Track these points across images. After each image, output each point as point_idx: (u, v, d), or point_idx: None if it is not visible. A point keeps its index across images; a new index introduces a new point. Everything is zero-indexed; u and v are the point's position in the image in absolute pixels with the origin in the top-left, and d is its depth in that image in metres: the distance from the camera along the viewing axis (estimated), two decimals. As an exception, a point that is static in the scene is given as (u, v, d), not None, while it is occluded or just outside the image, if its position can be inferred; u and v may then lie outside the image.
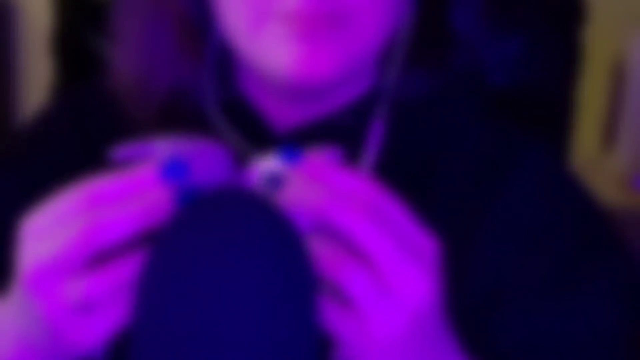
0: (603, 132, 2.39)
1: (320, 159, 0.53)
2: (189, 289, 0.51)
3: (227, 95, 0.72)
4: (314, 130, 0.69)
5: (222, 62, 0.72)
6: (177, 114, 0.71)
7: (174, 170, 0.52)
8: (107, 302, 0.52)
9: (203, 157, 0.54)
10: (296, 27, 0.61)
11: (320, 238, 0.51)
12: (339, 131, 0.69)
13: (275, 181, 0.52)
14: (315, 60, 0.62)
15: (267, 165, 0.53)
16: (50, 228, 0.52)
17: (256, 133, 0.70)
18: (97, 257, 0.51)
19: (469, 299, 0.65)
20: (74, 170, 0.71)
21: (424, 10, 0.69)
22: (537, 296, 0.67)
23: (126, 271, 0.52)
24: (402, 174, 0.68)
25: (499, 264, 0.67)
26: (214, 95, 0.71)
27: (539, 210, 0.69)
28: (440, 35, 0.71)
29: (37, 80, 2.20)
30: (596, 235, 0.70)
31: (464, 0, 0.71)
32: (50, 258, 0.51)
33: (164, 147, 0.54)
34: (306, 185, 0.51)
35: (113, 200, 0.51)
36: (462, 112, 0.74)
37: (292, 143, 0.54)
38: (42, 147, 0.75)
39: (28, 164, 0.74)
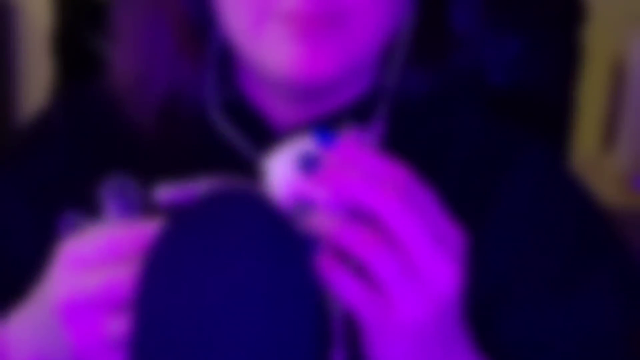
0: (603, 132, 2.39)
1: (354, 142, 0.53)
2: (187, 291, 0.51)
3: (228, 95, 0.72)
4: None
5: (223, 62, 0.72)
6: (178, 115, 0.71)
7: None
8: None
9: None
10: (296, 27, 0.61)
11: (352, 220, 0.51)
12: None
13: (310, 163, 0.52)
14: (315, 59, 0.62)
15: (299, 147, 0.53)
16: (92, 262, 0.53)
17: (257, 133, 0.70)
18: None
19: (470, 298, 0.65)
20: (73, 171, 0.71)
21: (424, 10, 0.69)
22: (538, 295, 0.67)
23: None
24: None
25: (500, 263, 0.67)
26: (215, 96, 0.71)
27: (539, 209, 0.69)
28: (441, 35, 0.71)
29: (37, 80, 2.20)
30: (596, 234, 0.70)
31: (464, 0, 0.71)
32: (90, 294, 0.52)
33: (204, 189, 0.54)
34: (340, 168, 0.51)
35: None
36: (463, 112, 0.74)
37: (325, 125, 0.54)
38: (41, 147, 0.75)
39: (28, 164, 0.74)
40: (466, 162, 0.70)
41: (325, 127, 0.54)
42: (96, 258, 0.53)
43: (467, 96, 0.75)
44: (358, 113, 0.70)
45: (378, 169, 0.51)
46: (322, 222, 0.51)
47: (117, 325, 0.52)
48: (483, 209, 0.68)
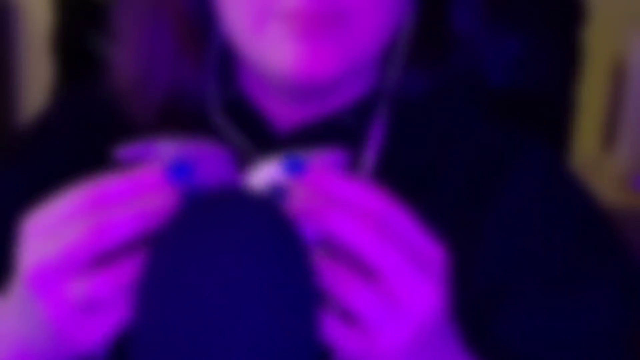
0: (603, 132, 2.39)
1: (324, 167, 0.51)
2: (188, 290, 0.51)
3: (229, 95, 0.72)
4: (315, 130, 0.69)
5: (224, 62, 0.72)
6: (178, 115, 0.71)
7: (178, 171, 0.52)
8: (109, 302, 0.52)
9: (207, 158, 0.54)
10: (297, 27, 0.61)
11: (325, 252, 0.51)
12: (340, 131, 0.69)
13: (279, 192, 0.51)
14: (315, 59, 0.62)
15: (269, 173, 0.52)
16: (54, 227, 0.52)
17: (258, 133, 0.70)
18: (101, 257, 0.51)
19: (471, 298, 0.65)
20: (74, 171, 0.71)
21: (424, 11, 0.69)
22: (538, 295, 0.67)
23: (129, 271, 0.52)
24: (403, 173, 0.68)
25: (500, 264, 0.67)
26: (216, 96, 0.71)
27: (540, 210, 0.69)
28: (441, 35, 0.71)
29: (37, 80, 2.20)
30: (597, 235, 0.70)
31: (464, 0, 0.71)
32: (53, 258, 0.51)
33: (168, 148, 0.54)
34: (310, 197, 0.50)
35: (118, 200, 0.51)
36: (463, 112, 0.74)
37: (294, 149, 0.53)
38: (42, 147, 0.75)
39: (28, 164, 0.74)
40: (466, 162, 0.70)
41: (294, 154, 0.52)
42: (57, 223, 0.52)
43: (467, 96, 0.75)
44: (358, 113, 0.70)
45: (350, 195, 0.50)
46: None
47: (86, 287, 0.51)
48: (483, 210, 0.68)
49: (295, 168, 0.52)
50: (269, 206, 0.51)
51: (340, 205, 0.50)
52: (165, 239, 0.51)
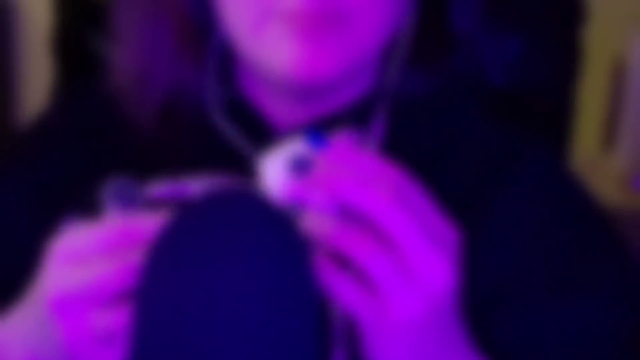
0: (603, 132, 2.39)
1: (346, 143, 0.53)
2: (188, 290, 0.51)
3: (229, 95, 0.72)
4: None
5: (224, 62, 0.72)
6: (178, 115, 0.71)
7: None
8: (127, 334, 0.53)
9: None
10: (296, 27, 0.61)
11: (345, 221, 0.51)
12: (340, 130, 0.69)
13: (302, 165, 0.52)
14: (315, 59, 0.62)
15: (292, 149, 0.53)
16: (83, 257, 0.53)
17: (258, 133, 0.70)
18: (125, 292, 0.53)
19: (472, 299, 0.65)
20: (74, 172, 0.71)
21: (424, 10, 0.69)
22: (538, 296, 0.67)
23: None
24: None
25: (500, 264, 0.67)
26: (216, 96, 0.71)
27: (539, 210, 0.69)
28: (441, 35, 0.71)
29: (37, 80, 2.20)
30: (596, 235, 0.70)
31: (464, 0, 0.71)
32: (81, 288, 0.52)
33: (196, 187, 0.55)
34: (332, 170, 0.51)
35: (148, 240, 0.52)
36: (463, 112, 0.74)
37: (320, 127, 0.55)
38: (42, 148, 0.75)
39: (28, 165, 0.74)
40: (467, 162, 0.70)
41: (318, 129, 0.54)
42: (86, 253, 0.53)
43: (467, 96, 0.75)
44: (358, 113, 0.70)
45: (370, 169, 0.51)
46: (315, 224, 0.51)
47: (108, 320, 0.52)
48: (483, 210, 0.68)
49: (319, 142, 0.53)
50: (268, 207, 0.51)
51: (361, 177, 0.50)
52: (164, 241, 0.51)
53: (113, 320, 0.52)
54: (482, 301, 0.66)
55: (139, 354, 0.52)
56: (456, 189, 0.69)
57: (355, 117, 0.69)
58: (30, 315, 0.57)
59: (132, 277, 0.52)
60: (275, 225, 0.51)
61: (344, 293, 0.51)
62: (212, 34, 0.71)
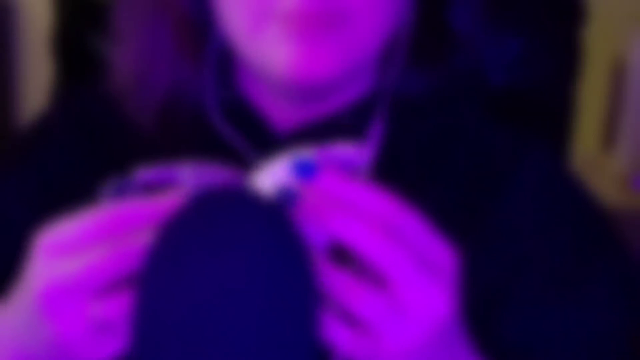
0: (603, 132, 2.39)
1: (333, 167, 0.51)
2: (186, 290, 0.51)
3: (228, 96, 0.71)
4: (315, 130, 0.69)
5: (223, 63, 0.72)
6: (177, 116, 0.71)
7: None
8: (120, 324, 0.51)
9: (225, 184, 0.53)
10: (295, 28, 0.61)
11: (331, 257, 0.50)
12: (340, 131, 0.69)
13: (287, 197, 0.50)
14: (313, 60, 0.62)
15: (276, 175, 0.51)
16: (71, 247, 0.51)
17: (257, 134, 0.70)
18: (117, 280, 0.51)
19: (472, 299, 0.65)
20: (75, 171, 0.71)
21: (424, 10, 0.69)
22: (538, 296, 0.67)
23: None
24: (403, 173, 0.68)
25: (501, 264, 0.67)
26: (215, 96, 0.71)
27: (540, 210, 0.69)
28: (441, 36, 0.71)
29: (37, 80, 2.20)
30: (597, 235, 0.70)
31: (464, 0, 0.71)
32: (70, 279, 0.51)
33: (187, 173, 0.54)
34: (320, 202, 0.50)
35: (138, 225, 0.51)
36: (463, 112, 0.74)
37: (300, 150, 0.53)
38: (43, 148, 0.75)
39: (28, 164, 0.74)
40: (466, 162, 0.70)
41: (303, 153, 0.51)
42: (74, 243, 0.51)
43: (468, 96, 0.75)
44: (357, 114, 0.70)
45: (360, 200, 0.50)
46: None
47: (102, 309, 0.51)
48: (483, 210, 0.68)
49: (305, 171, 0.51)
50: (268, 206, 0.51)
51: (349, 209, 0.49)
52: (164, 238, 0.51)
53: (108, 309, 0.51)
54: (483, 302, 0.66)
55: (140, 349, 0.51)
56: (456, 189, 0.69)
57: (355, 117, 0.69)
58: (17, 313, 0.55)
59: (124, 262, 0.50)
60: (275, 224, 0.51)
61: (331, 331, 0.51)
62: (211, 35, 0.71)
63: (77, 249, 0.51)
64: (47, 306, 0.51)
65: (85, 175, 0.66)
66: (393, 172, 0.67)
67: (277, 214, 0.50)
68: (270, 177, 0.52)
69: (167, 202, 0.51)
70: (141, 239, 0.50)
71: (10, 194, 0.73)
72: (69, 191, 0.69)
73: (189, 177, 0.54)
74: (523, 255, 0.68)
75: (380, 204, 0.50)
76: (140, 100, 0.71)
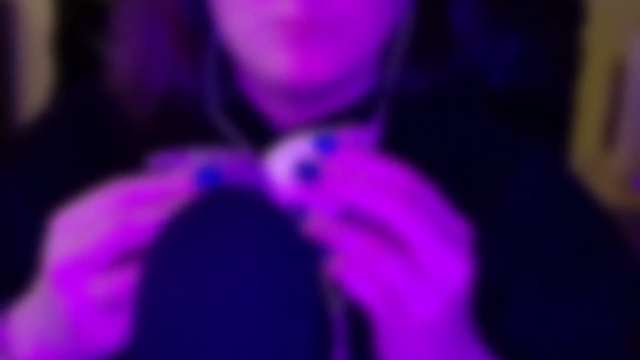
0: (603, 132, 2.39)
1: (353, 146, 0.52)
2: (186, 292, 0.51)
3: (228, 95, 0.72)
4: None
5: (222, 62, 0.72)
6: (177, 114, 0.71)
7: (206, 176, 0.52)
8: (128, 301, 0.52)
9: (237, 167, 0.54)
10: (291, 34, 0.61)
11: (356, 227, 0.51)
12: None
13: (309, 171, 0.51)
14: (309, 65, 0.62)
15: (298, 150, 0.52)
16: (81, 225, 0.52)
17: (258, 132, 0.70)
18: (124, 257, 0.52)
19: (474, 296, 0.65)
20: (76, 169, 0.71)
21: (424, 10, 0.69)
22: (539, 296, 0.67)
23: None
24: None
25: (501, 264, 0.67)
26: (215, 96, 0.71)
27: (540, 210, 0.69)
28: (440, 35, 0.71)
29: (37, 80, 2.20)
30: (597, 235, 0.70)
31: (463, 0, 0.71)
32: (77, 254, 0.51)
33: (200, 158, 0.54)
34: (341, 176, 0.51)
35: (146, 202, 0.52)
36: (463, 112, 0.74)
37: (323, 128, 0.53)
38: (42, 145, 0.75)
39: (28, 162, 0.74)
40: (466, 162, 0.70)
41: (323, 130, 0.53)
42: (84, 220, 0.52)
43: (467, 96, 0.75)
44: (358, 113, 0.70)
45: (380, 173, 0.51)
46: (324, 228, 0.51)
47: (108, 285, 0.51)
48: (483, 210, 0.68)
49: (326, 145, 0.51)
50: (269, 206, 0.51)
51: (370, 180, 0.50)
52: (165, 241, 0.51)
53: (112, 285, 0.51)
54: (484, 300, 0.66)
55: (140, 354, 0.51)
56: (456, 189, 0.69)
57: (355, 115, 0.69)
58: (38, 300, 0.56)
59: (131, 237, 0.51)
60: (275, 225, 0.51)
61: (363, 294, 0.51)
62: (210, 35, 0.71)
63: (87, 225, 0.52)
64: (56, 282, 0.52)
65: (85, 173, 0.66)
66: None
67: (276, 215, 0.51)
68: (289, 153, 0.52)
69: (176, 181, 0.52)
70: (149, 216, 0.51)
71: (10, 191, 0.73)
72: (69, 188, 0.69)
73: (201, 162, 0.54)
74: (522, 255, 0.68)
75: (400, 175, 0.51)
76: (139, 99, 0.71)
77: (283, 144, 0.53)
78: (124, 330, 0.53)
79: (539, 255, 0.68)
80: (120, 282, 0.52)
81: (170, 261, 0.51)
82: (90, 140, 0.74)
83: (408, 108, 0.71)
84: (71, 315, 0.52)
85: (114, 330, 0.53)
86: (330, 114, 0.69)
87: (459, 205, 0.68)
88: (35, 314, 0.57)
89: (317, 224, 0.51)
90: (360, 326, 0.56)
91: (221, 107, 0.71)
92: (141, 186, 0.52)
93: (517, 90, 0.96)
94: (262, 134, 0.70)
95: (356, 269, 0.51)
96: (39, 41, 2.11)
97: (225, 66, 0.72)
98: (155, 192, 0.52)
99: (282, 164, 0.52)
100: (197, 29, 0.70)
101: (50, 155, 0.74)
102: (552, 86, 1.01)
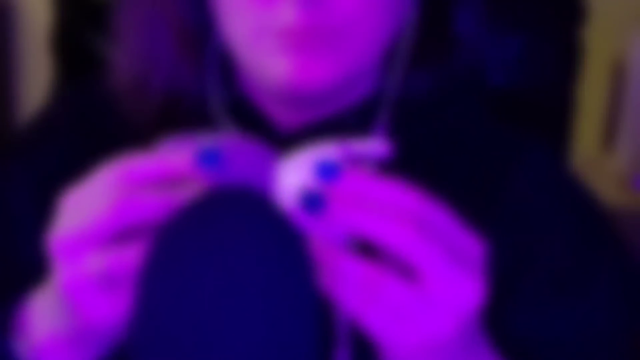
0: (603, 132, 2.39)
1: (358, 171, 0.50)
2: (185, 289, 0.51)
3: (230, 97, 0.72)
4: (318, 132, 0.69)
5: (225, 64, 0.72)
6: (179, 115, 0.71)
7: (208, 158, 0.51)
8: (126, 280, 0.51)
9: (241, 150, 0.53)
10: (291, 42, 0.62)
11: (359, 253, 0.50)
12: (343, 132, 0.69)
13: (312, 201, 0.49)
14: (309, 72, 0.62)
15: (298, 178, 0.50)
16: (83, 202, 0.52)
17: (260, 133, 0.70)
18: (125, 236, 0.51)
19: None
20: (76, 167, 0.71)
21: (426, 12, 0.69)
22: (539, 296, 0.67)
23: None
24: (405, 175, 0.68)
25: (501, 265, 0.67)
26: (217, 97, 0.71)
27: (540, 210, 0.69)
28: (443, 38, 0.71)
29: (37, 80, 2.20)
30: (596, 235, 0.70)
31: (465, 1, 0.71)
32: (76, 229, 0.51)
33: (207, 141, 0.53)
34: (346, 202, 0.49)
35: (147, 180, 0.51)
36: (464, 113, 0.74)
37: (318, 146, 0.52)
38: (43, 142, 0.75)
39: (29, 160, 0.74)
40: (468, 162, 0.70)
41: (327, 144, 0.51)
42: (86, 198, 0.52)
43: (468, 97, 0.75)
44: (360, 116, 0.70)
45: (387, 197, 0.50)
46: (327, 255, 0.50)
47: (107, 262, 0.51)
48: (484, 210, 0.68)
49: (328, 172, 0.50)
50: (267, 204, 0.51)
51: (376, 206, 0.49)
52: (165, 237, 0.51)
53: (109, 262, 0.51)
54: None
55: (139, 347, 0.51)
56: (458, 190, 0.69)
57: (358, 118, 0.69)
58: (50, 285, 0.56)
59: (131, 215, 0.51)
60: (275, 225, 0.51)
61: (369, 318, 0.50)
62: (211, 37, 0.71)
63: (89, 202, 0.52)
64: (56, 257, 0.52)
65: (85, 170, 0.66)
66: (395, 172, 0.67)
67: (272, 211, 0.51)
68: (292, 177, 0.51)
69: (175, 160, 0.52)
70: (150, 195, 0.51)
71: (11, 188, 0.73)
72: (72, 182, 0.69)
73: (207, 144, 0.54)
74: (522, 255, 0.68)
75: (407, 198, 0.50)
76: (140, 100, 0.71)
77: (286, 164, 0.52)
78: (123, 310, 0.52)
79: (539, 255, 0.68)
80: (119, 259, 0.51)
81: (170, 261, 0.51)
82: (92, 134, 0.74)
83: (411, 110, 0.71)
84: (68, 289, 0.52)
85: (113, 309, 0.52)
86: (332, 117, 0.69)
87: (459, 205, 0.68)
88: (48, 299, 0.57)
89: (320, 250, 0.50)
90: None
91: (223, 108, 0.71)
92: (143, 164, 0.52)
93: (517, 90, 0.96)
94: (265, 134, 0.70)
95: (358, 296, 0.50)
96: (39, 41, 2.11)
97: (227, 68, 0.72)
98: (156, 171, 0.52)
99: (286, 191, 0.51)
100: (199, 31, 0.70)
101: (53, 150, 0.74)
102: (552, 86, 1.01)
